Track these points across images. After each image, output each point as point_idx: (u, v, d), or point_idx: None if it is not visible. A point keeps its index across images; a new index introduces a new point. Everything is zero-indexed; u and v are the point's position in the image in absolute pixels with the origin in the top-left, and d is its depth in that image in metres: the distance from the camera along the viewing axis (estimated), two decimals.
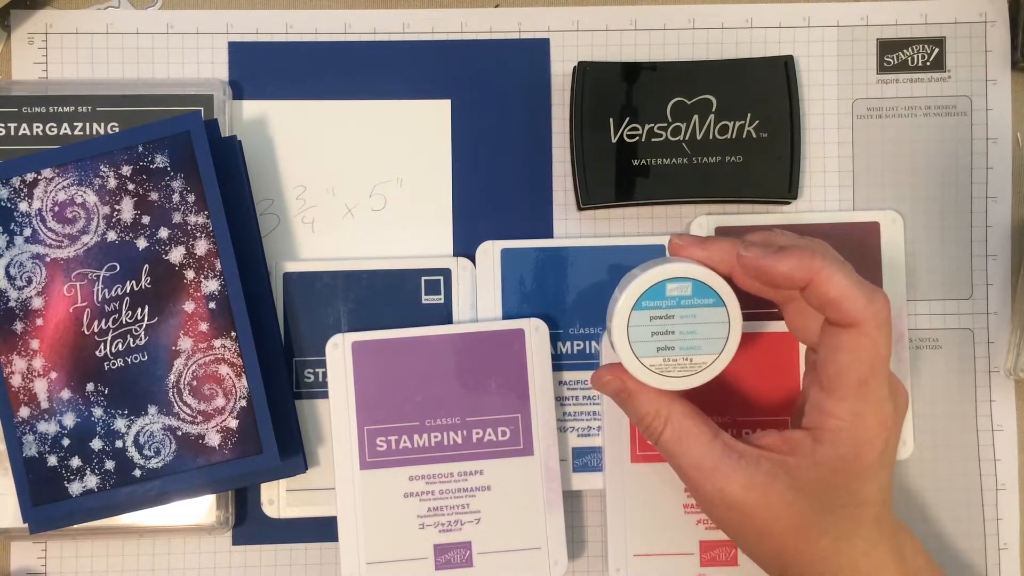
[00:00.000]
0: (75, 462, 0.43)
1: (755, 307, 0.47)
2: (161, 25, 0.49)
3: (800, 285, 0.36)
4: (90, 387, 0.43)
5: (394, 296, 0.47)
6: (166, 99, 0.47)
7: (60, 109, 0.47)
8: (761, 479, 0.37)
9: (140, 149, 0.44)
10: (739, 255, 0.37)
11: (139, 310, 0.44)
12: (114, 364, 0.43)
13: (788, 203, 0.48)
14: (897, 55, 0.49)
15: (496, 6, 0.49)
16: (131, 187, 0.44)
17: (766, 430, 0.39)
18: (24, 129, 0.47)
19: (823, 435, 0.36)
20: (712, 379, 0.39)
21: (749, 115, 0.47)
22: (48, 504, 0.43)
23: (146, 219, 0.44)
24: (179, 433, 0.43)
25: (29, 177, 0.44)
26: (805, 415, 0.38)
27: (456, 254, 0.48)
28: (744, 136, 0.47)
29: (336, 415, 0.46)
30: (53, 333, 0.44)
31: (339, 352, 0.46)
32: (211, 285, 0.44)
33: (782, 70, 0.48)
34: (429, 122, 0.49)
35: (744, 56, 0.49)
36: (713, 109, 0.47)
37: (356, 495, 0.45)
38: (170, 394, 0.43)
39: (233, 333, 0.44)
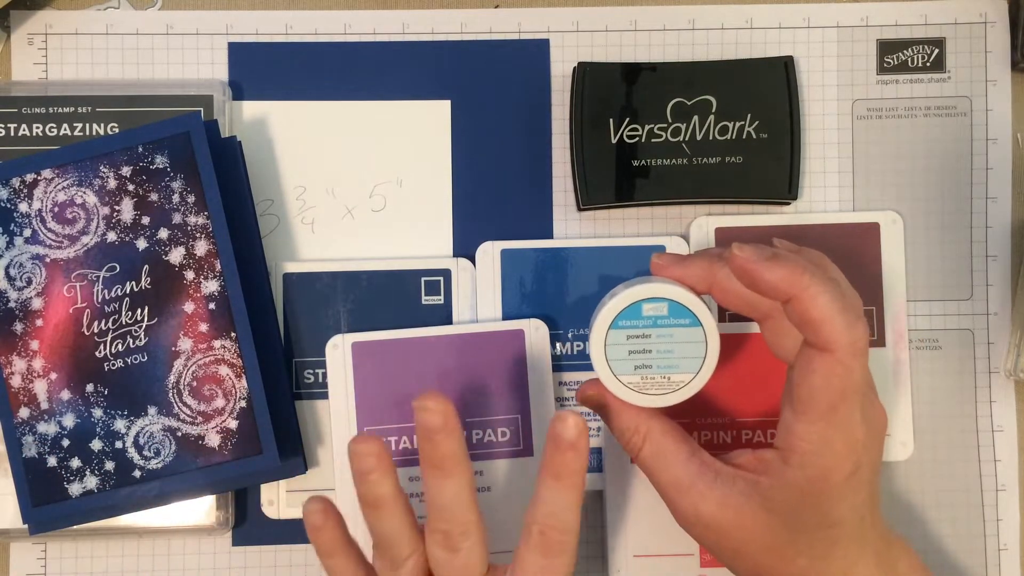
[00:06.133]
0: (75, 463, 0.43)
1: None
2: (161, 26, 0.49)
3: (784, 298, 0.35)
4: (90, 388, 0.43)
5: (394, 297, 0.47)
6: (166, 100, 0.47)
7: (60, 110, 0.47)
8: (735, 499, 0.37)
9: (140, 150, 0.44)
10: (732, 255, 0.36)
11: (139, 311, 0.44)
12: (114, 365, 0.43)
13: (788, 204, 0.48)
14: (897, 56, 0.49)
15: (496, 7, 0.49)
16: (131, 188, 0.44)
17: (743, 449, 0.39)
18: (24, 130, 0.47)
19: (791, 457, 0.36)
20: (690, 397, 0.39)
21: (749, 116, 0.47)
22: (48, 505, 0.43)
23: (146, 220, 0.44)
24: (179, 434, 0.43)
25: (29, 178, 0.44)
26: (777, 434, 0.37)
27: (456, 255, 0.48)
28: (744, 137, 0.47)
29: (336, 416, 0.46)
30: (53, 334, 0.43)
31: (339, 353, 0.46)
32: (211, 286, 0.44)
33: (782, 71, 0.48)
34: (429, 123, 0.49)
35: (744, 57, 0.49)
36: (713, 110, 0.47)
37: (356, 496, 0.45)
38: (170, 395, 0.43)
39: (233, 334, 0.44)
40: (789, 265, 0.35)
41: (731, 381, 0.46)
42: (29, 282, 0.44)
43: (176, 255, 0.44)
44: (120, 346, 0.44)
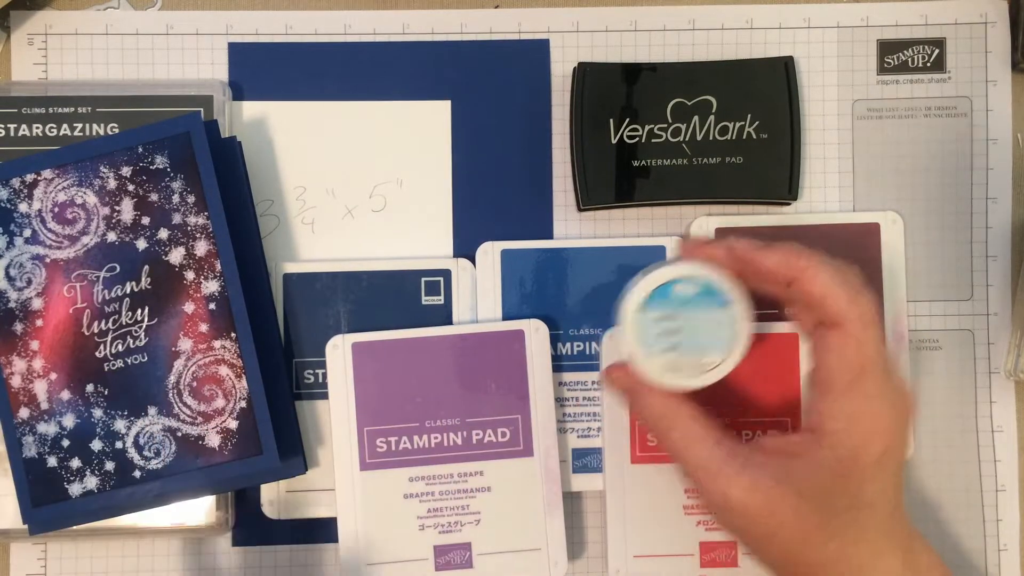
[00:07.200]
0: (75, 463, 0.43)
1: (757, 308, 0.47)
2: (161, 26, 0.48)
3: (785, 281, 0.37)
4: (90, 388, 0.43)
5: (394, 297, 0.47)
6: (166, 100, 0.47)
7: (60, 110, 0.47)
8: (765, 483, 0.36)
9: (140, 150, 0.44)
10: (729, 246, 0.38)
11: (139, 311, 0.44)
12: (114, 365, 0.43)
13: (788, 204, 0.48)
14: (897, 56, 0.49)
15: (496, 7, 0.49)
16: (131, 188, 0.44)
17: (770, 433, 0.39)
18: (24, 130, 0.47)
19: (820, 437, 0.36)
20: (720, 379, 0.39)
21: (749, 116, 0.47)
22: (48, 505, 0.43)
23: (146, 220, 0.44)
24: (179, 434, 0.43)
25: (29, 178, 0.44)
26: (804, 417, 0.38)
27: (456, 255, 0.48)
28: (744, 137, 0.47)
29: (336, 416, 0.46)
30: (53, 334, 0.43)
31: (339, 353, 0.46)
32: (211, 286, 0.44)
33: (782, 71, 0.48)
34: (429, 123, 0.49)
35: (744, 57, 0.49)
36: (713, 110, 0.47)
37: (356, 496, 0.45)
38: (170, 395, 0.43)
39: (233, 334, 0.44)
40: (784, 250, 0.37)
41: (731, 381, 0.46)
42: (29, 282, 0.44)
43: (176, 255, 0.44)
44: (120, 346, 0.43)
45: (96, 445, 0.43)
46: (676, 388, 0.39)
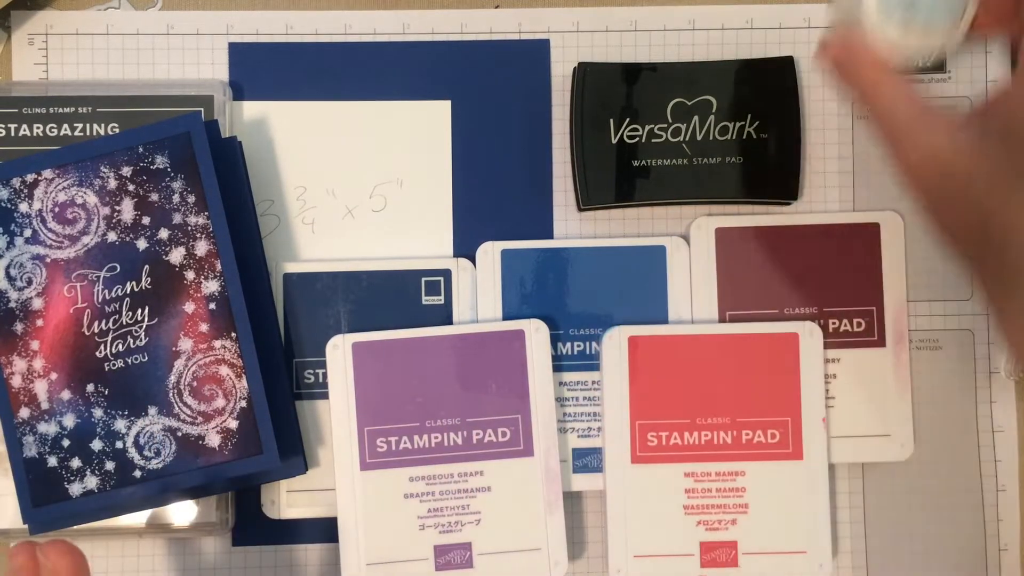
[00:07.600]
0: (75, 463, 0.43)
1: (755, 307, 0.47)
2: (161, 26, 0.49)
3: None
4: (90, 388, 0.43)
5: (394, 297, 0.47)
6: (166, 100, 0.47)
7: (60, 110, 0.47)
8: (972, 127, 0.36)
9: (140, 150, 0.44)
10: None
11: (139, 311, 0.44)
12: (114, 365, 0.43)
13: (788, 204, 0.48)
14: None
15: (496, 7, 0.49)
16: (131, 188, 0.44)
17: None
18: (24, 130, 0.47)
19: None
20: (949, 47, 0.39)
21: (749, 116, 0.47)
22: (48, 505, 0.43)
23: (146, 220, 0.44)
24: (179, 434, 0.43)
25: (29, 178, 0.44)
26: (1018, 60, 0.37)
27: (456, 255, 0.48)
28: (744, 137, 0.47)
29: (336, 416, 0.46)
30: (53, 334, 0.44)
31: (339, 353, 0.46)
32: (211, 286, 0.44)
33: (782, 71, 0.48)
34: (429, 123, 0.49)
35: (745, 57, 0.49)
36: (713, 110, 0.47)
37: (356, 496, 0.45)
38: (170, 395, 0.43)
39: (233, 334, 0.44)
40: None
41: (731, 381, 0.46)
42: (29, 282, 0.44)
43: (176, 255, 0.44)
44: (120, 346, 0.44)
45: (96, 445, 0.43)
46: (903, 53, 0.39)
